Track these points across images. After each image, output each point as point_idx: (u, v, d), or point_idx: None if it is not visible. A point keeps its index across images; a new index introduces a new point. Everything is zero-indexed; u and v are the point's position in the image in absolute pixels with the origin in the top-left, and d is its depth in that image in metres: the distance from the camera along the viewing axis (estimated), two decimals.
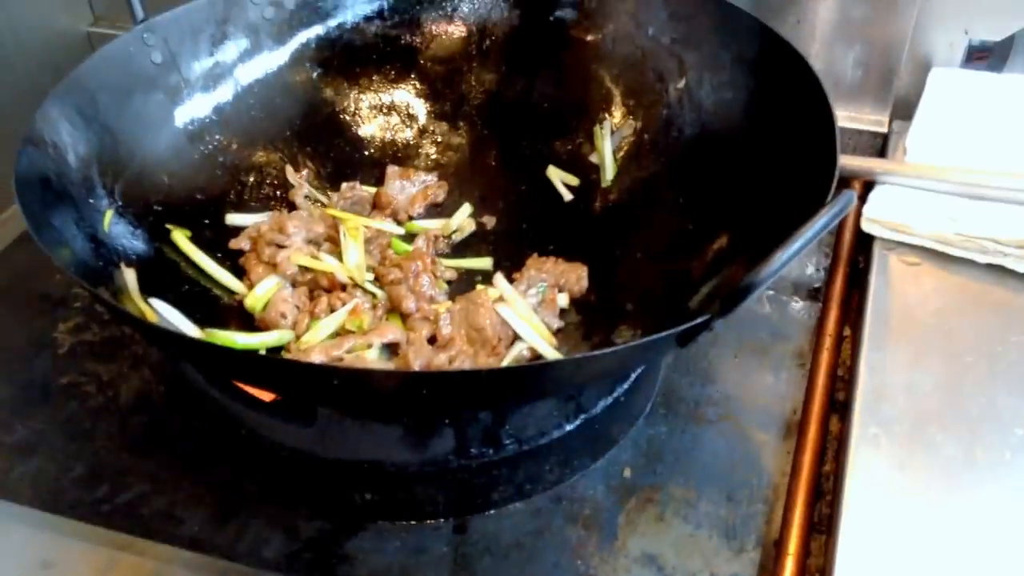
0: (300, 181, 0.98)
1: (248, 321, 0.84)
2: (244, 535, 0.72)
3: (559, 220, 0.97)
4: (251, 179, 0.97)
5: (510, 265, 0.91)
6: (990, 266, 0.87)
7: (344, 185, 0.98)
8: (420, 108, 1.08)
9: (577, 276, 0.88)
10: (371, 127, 1.06)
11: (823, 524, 0.72)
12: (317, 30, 1.04)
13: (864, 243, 0.94)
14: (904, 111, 1.08)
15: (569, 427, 0.79)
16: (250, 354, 0.75)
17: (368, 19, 1.06)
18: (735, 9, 0.91)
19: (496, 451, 0.76)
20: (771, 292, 0.93)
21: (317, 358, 0.77)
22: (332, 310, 0.83)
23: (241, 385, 0.79)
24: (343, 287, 0.86)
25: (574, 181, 1.00)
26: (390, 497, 0.75)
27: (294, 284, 0.87)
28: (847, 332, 0.88)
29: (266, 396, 0.78)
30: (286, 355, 0.80)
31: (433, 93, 1.08)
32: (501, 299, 0.83)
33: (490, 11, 1.07)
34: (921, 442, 0.73)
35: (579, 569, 0.69)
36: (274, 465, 0.77)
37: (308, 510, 0.74)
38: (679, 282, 0.83)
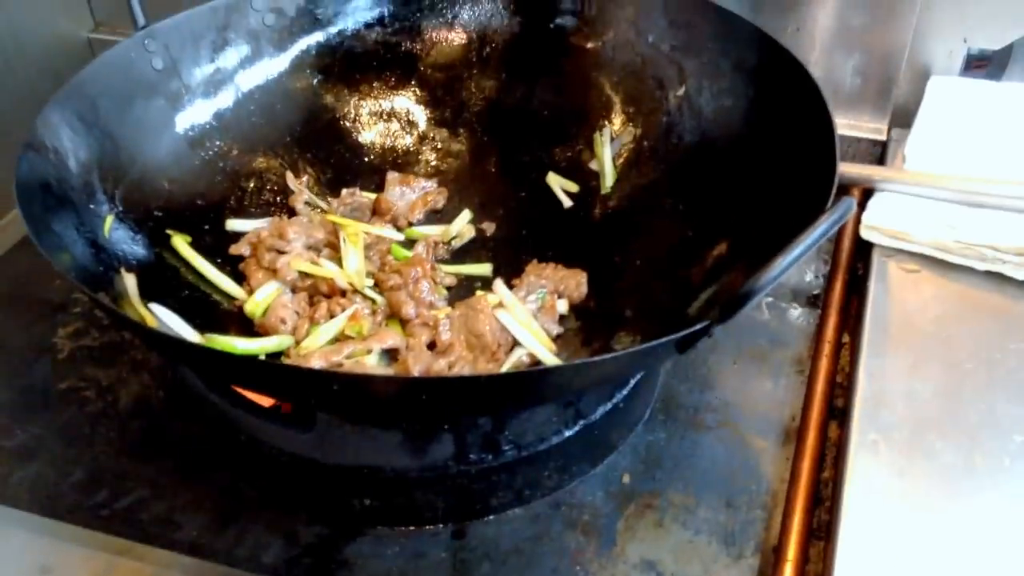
0: (300, 187, 0.98)
1: (248, 326, 0.84)
2: (243, 540, 0.72)
3: (559, 226, 0.97)
4: (251, 185, 0.97)
5: (510, 271, 0.91)
6: (989, 273, 0.87)
7: (344, 191, 0.99)
8: (420, 115, 1.08)
9: (577, 282, 0.88)
10: (371, 133, 1.06)
11: (822, 530, 0.72)
12: (318, 37, 1.04)
13: (863, 250, 0.94)
14: (903, 119, 1.08)
15: (568, 433, 0.79)
16: (249, 359, 0.75)
17: (368, 26, 1.06)
18: (735, 17, 0.92)
19: (495, 457, 0.76)
20: (770, 299, 0.93)
21: (316, 363, 0.77)
22: (332, 316, 0.83)
23: (240, 390, 0.79)
24: (343, 293, 0.86)
25: (574, 188, 1.01)
26: (389, 503, 0.75)
27: (294, 290, 0.87)
28: (846, 339, 0.88)
29: (265, 401, 0.79)
30: (286, 360, 0.80)
31: (433, 100, 1.08)
32: (500, 305, 0.83)
33: (490, 18, 1.08)
34: (920, 449, 0.73)
35: (578, 575, 0.69)
36: (273, 470, 0.77)
37: (307, 515, 0.74)
38: (678, 289, 0.83)
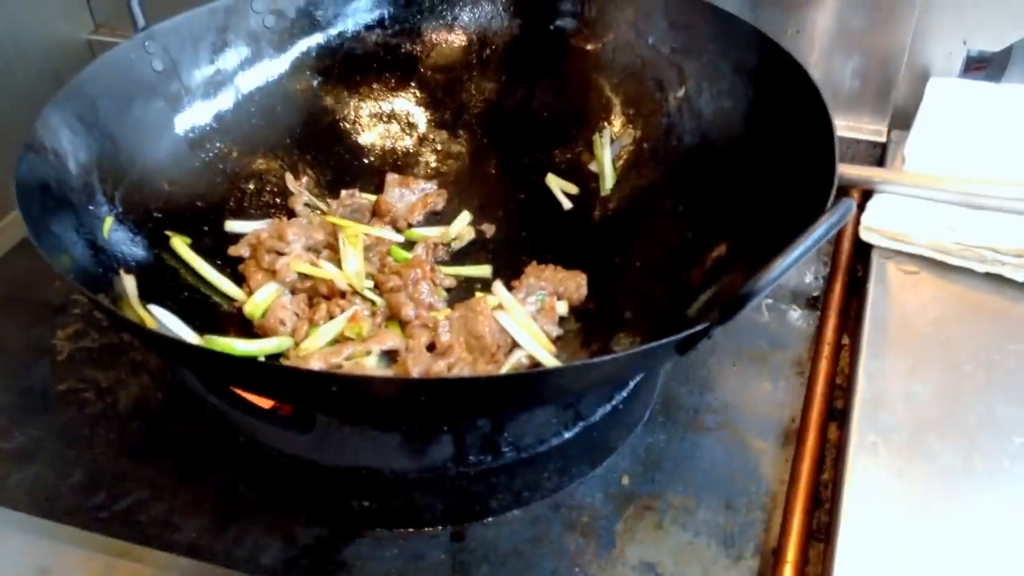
0: (300, 188, 0.98)
1: (247, 328, 0.84)
2: (242, 542, 0.72)
3: (558, 228, 0.97)
4: (251, 186, 0.97)
5: (509, 273, 0.91)
6: (988, 275, 0.87)
7: (344, 193, 0.98)
8: (420, 116, 1.08)
9: (576, 284, 0.88)
10: (371, 135, 1.06)
11: (821, 532, 0.72)
12: (318, 38, 1.04)
13: (863, 252, 0.94)
14: (902, 121, 1.08)
15: (567, 435, 0.79)
16: (249, 361, 0.75)
17: (369, 28, 1.06)
18: (735, 19, 0.92)
19: (494, 458, 0.76)
20: (770, 300, 0.93)
21: (316, 365, 0.77)
22: (331, 317, 0.83)
23: (240, 392, 0.79)
24: (342, 294, 0.86)
25: (573, 189, 1.01)
26: (388, 504, 0.74)
27: (293, 291, 0.87)
28: (846, 340, 0.88)
29: (265, 403, 0.78)
30: (285, 362, 0.80)
31: (433, 101, 1.08)
32: (500, 307, 0.83)
33: (490, 20, 1.08)
34: (919, 450, 0.73)
35: None
36: (272, 472, 0.77)
37: (306, 517, 0.73)
38: (678, 290, 0.83)
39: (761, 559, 0.70)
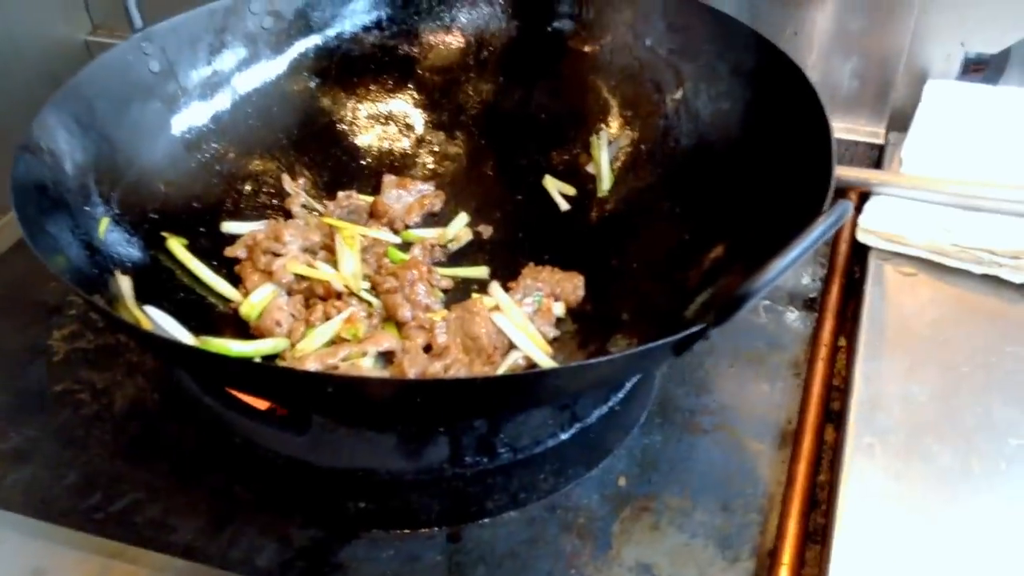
0: (297, 190, 0.98)
1: (243, 329, 0.84)
2: (237, 543, 0.72)
3: (555, 230, 0.97)
4: (247, 187, 0.97)
5: (506, 274, 0.90)
6: (985, 277, 0.87)
7: (340, 194, 0.98)
8: (417, 118, 1.08)
9: (573, 285, 0.88)
10: (368, 136, 1.06)
11: (818, 534, 0.72)
12: (315, 40, 1.04)
13: (860, 253, 0.94)
14: (900, 122, 1.08)
15: (564, 436, 0.79)
16: (245, 362, 0.75)
17: (366, 29, 1.06)
18: (732, 21, 0.92)
19: (491, 460, 0.76)
20: (767, 302, 0.93)
21: (312, 366, 0.76)
22: (327, 318, 0.83)
23: (236, 393, 0.79)
24: (339, 295, 0.86)
25: (571, 191, 1.01)
26: (384, 505, 0.74)
27: (290, 292, 0.87)
28: (842, 342, 0.88)
29: (261, 404, 0.78)
30: (281, 363, 0.80)
31: (430, 103, 1.08)
32: (497, 308, 0.83)
33: (488, 22, 1.08)
34: (916, 452, 0.73)
35: None
36: (268, 473, 0.77)
37: (302, 518, 0.73)
38: (675, 291, 0.83)
39: (757, 561, 0.70)
